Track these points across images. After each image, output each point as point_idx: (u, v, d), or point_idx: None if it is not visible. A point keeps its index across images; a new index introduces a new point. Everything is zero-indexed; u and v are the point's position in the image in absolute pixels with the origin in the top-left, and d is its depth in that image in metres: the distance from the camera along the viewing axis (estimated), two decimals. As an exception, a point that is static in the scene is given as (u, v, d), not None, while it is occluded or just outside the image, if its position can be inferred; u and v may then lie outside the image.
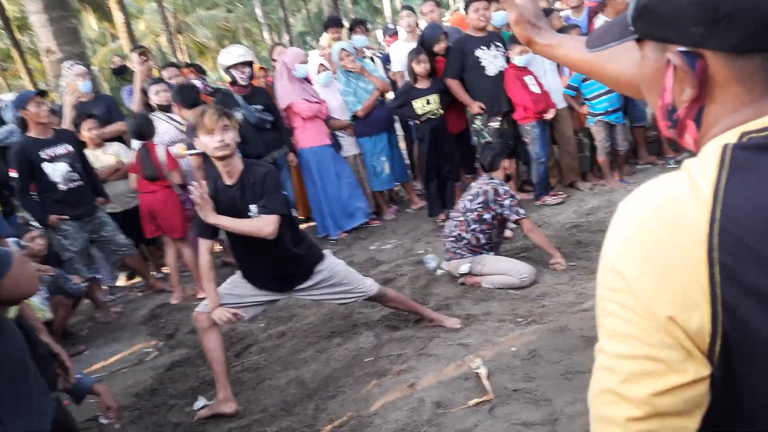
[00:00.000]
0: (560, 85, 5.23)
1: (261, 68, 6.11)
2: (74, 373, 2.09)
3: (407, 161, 6.24)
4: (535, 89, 4.96)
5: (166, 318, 4.41)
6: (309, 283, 2.95)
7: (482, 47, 5.00)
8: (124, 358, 3.88)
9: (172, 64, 6.20)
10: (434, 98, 5.01)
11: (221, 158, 2.67)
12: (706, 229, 0.59)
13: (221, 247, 4.96)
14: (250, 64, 4.94)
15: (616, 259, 0.66)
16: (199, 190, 2.66)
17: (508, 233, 4.24)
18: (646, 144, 5.74)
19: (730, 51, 0.62)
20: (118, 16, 11.63)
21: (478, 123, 5.11)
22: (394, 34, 6.78)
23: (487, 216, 3.71)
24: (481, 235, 3.74)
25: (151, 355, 3.82)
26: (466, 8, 5.11)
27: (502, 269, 3.63)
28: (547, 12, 5.47)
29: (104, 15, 18.36)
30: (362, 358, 3.06)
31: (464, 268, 3.71)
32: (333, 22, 6.21)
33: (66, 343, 4.02)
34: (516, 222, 3.73)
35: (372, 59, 5.96)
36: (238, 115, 4.60)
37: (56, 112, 5.16)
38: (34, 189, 4.33)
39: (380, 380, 2.80)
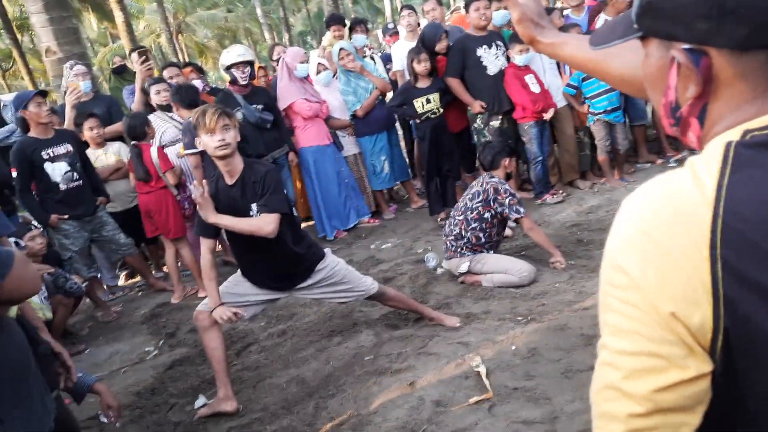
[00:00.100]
0: (560, 84, 5.23)
1: (261, 68, 6.11)
2: (75, 372, 2.09)
3: (407, 160, 6.24)
4: (535, 89, 4.96)
5: (166, 317, 4.41)
6: (309, 281, 2.96)
7: (483, 46, 5.00)
8: (124, 357, 3.89)
9: (173, 64, 6.20)
10: (434, 97, 5.01)
11: (222, 157, 2.67)
12: (709, 226, 0.60)
13: (221, 247, 4.97)
14: (250, 63, 4.95)
15: (618, 255, 0.66)
16: (199, 190, 2.66)
17: (508, 232, 4.25)
18: (646, 143, 5.74)
19: (734, 48, 0.62)
20: (118, 16, 11.63)
21: (478, 122, 5.11)
22: (394, 33, 6.78)
23: (487, 215, 3.71)
24: (481, 234, 3.74)
25: (152, 354, 3.82)
26: (466, 7, 5.10)
27: (502, 268, 3.63)
28: (548, 11, 5.48)
29: (105, 15, 18.37)
30: (362, 357, 3.07)
31: (464, 266, 3.71)
32: (335, 20, 6.20)
33: (66, 343, 4.03)
34: (516, 221, 3.73)
35: (372, 58, 5.96)
36: (239, 115, 4.61)
37: (57, 112, 5.16)
38: (34, 189, 4.34)
39: (380, 379, 2.81)
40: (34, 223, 4.42)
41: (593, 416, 0.71)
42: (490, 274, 3.65)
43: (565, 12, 5.91)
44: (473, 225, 3.73)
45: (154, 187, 4.61)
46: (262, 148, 4.88)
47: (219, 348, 2.85)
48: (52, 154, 4.27)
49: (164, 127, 5.00)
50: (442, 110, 5.06)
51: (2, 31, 16.74)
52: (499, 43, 5.06)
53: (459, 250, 3.76)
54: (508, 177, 3.93)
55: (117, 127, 5.28)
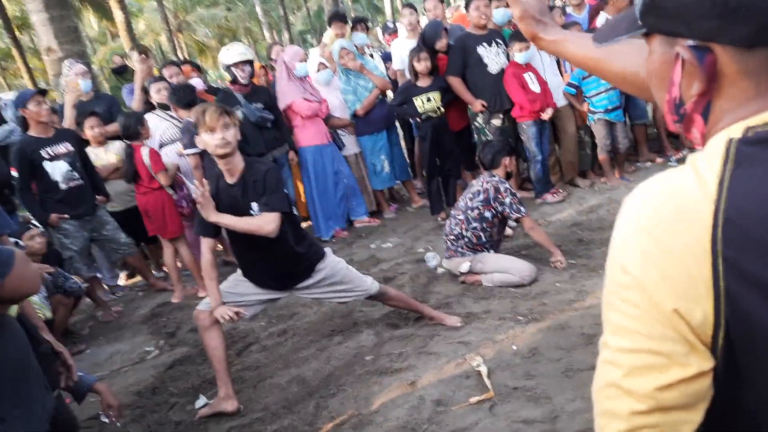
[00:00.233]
0: (559, 83, 5.23)
1: (261, 66, 6.11)
2: (76, 371, 2.09)
3: (407, 160, 6.24)
4: (535, 88, 4.95)
5: (167, 317, 4.41)
6: (310, 281, 2.96)
7: (484, 45, 5.00)
8: (125, 356, 3.89)
9: (173, 63, 6.20)
10: (435, 96, 5.00)
11: (222, 156, 2.67)
12: (710, 222, 0.60)
13: (222, 246, 4.97)
14: (250, 62, 4.94)
15: (621, 254, 0.66)
16: (200, 189, 2.66)
17: (508, 231, 4.25)
18: (646, 142, 5.73)
19: (740, 45, 0.62)
20: (118, 15, 11.62)
21: (479, 121, 5.11)
22: (394, 32, 6.78)
23: (487, 214, 3.71)
24: (481, 233, 3.74)
25: (152, 354, 3.82)
26: (466, 6, 5.10)
27: (502, 267, 3.63)
28: (549, 8, 5.47)
29: (104, 14, 18.37)
30: (363, 357, 3.07)
31: (465, 266, 3.71)
32: (337, 17, 6.19)
33: (67, 342, 4.02)
34: (516, 220, 3.73)
35: (371, 56, 5.96)
36: (239, 114, 4.60)
37: (57, 111, 5.16)
38: (35, 188, 4.33)
39: (381, 378, 2.81)
40: (34, 222, 4.42)
41: (595, 414, 0.71)
42: (490, 274, 3.65)
43: (567, 10, 5.91)
44: (474, 224, 3.72)
45: (150, 187, 4.60)
46: (262, 147, 4.88)
47: (219, 347, 2.85)
48: (52, 153, 4.26)
49: (164, 125, 5.00)
50: (443, 109, 5.06)
51: (2, 29, 16.73)
52: (499, 41, 5.06)
53: (459, 249, 3.76)
54: (508, 176, 3.93)
55: (117, 126, 5.28)
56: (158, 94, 5.00)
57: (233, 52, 4.92)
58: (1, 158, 4.61)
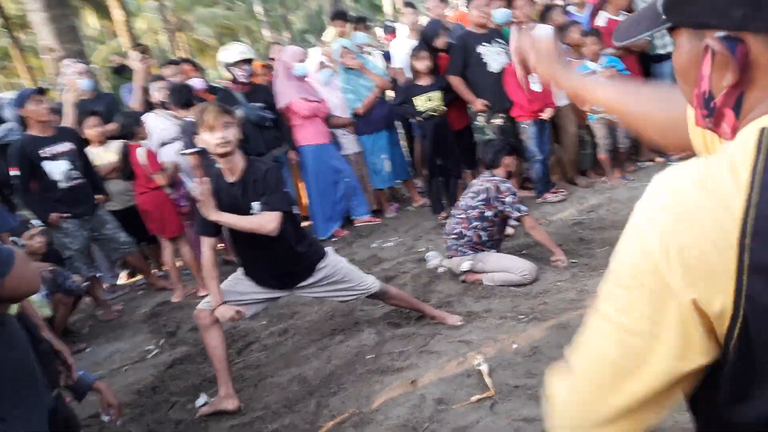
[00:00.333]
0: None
1: (262, 66, 6.10)
2: (76, 370, 2.09)
3: (408, 158, 6.23)
4: (536, 87, 4.94)
5: (167, 316, 4.41)
6: (311, 280, 2.95)
7: (484, 44, 5.00)
8: (125, 355, 3.89)
9: (173, 62, 6.19)
10: (436, 95, 5.00)
11: (223, 155, 2.66)
12: (741, 215, 0.59)
13: (222, 245, 4.96)
14: (250, 61, 4.94)
15: (640, 233, 0.64)
16: (200, 187, 2.66)
17: (509, 230, 4.24)
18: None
19: None
20: (117, 14, 11.64)
21: (480, 120, 5.10)
22: (393, 32, 6.77)
23: (488, 213, 3.70)
24: (482, 233, 3.73)
25: (153, 353, 3.82)
26: (467, 5, 5.10)
27: (503, 266, 3.62)
28: (549, 8, 5.47)
29: (104, 13, 18.35)
30: (364, 355, 3.06)
31: (465, 265, 3.70)
32: (339, 15, 6.18)
33: (67, 341, 4.01)
34: (517, 219, 3.72)
35: (370, 54, 5.95)
36: (239, 113, 4.60)
37: (56, 110, 5.15)
38: (34, 187, 4.32)
39: (382, 377, 2.80)
40: (34, 221, 4.41)
41: (570, 372, 0.72)
42: (491, 273, 3.65)
43: (568, 9, 5.90)
44: (474, 224, 3.72)
45: (148, 186, 4.60)
46: (262, 146, 4.88)
47: (220, 346, 2.84)
48: (51, 153, 4.26)
49: (164, 124, 4.99)
50: (444, 108, 5.05)
51: (2, 29, 16.73)
52: (500, 40, 5.06)
53: (460, 248, 3.76)
54: (509, 175, 3.92)
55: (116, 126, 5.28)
56: (159, 92, 5.00)
57: (234, 52, 4.92)
58: (1, 158, 4.60)
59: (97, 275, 4.78)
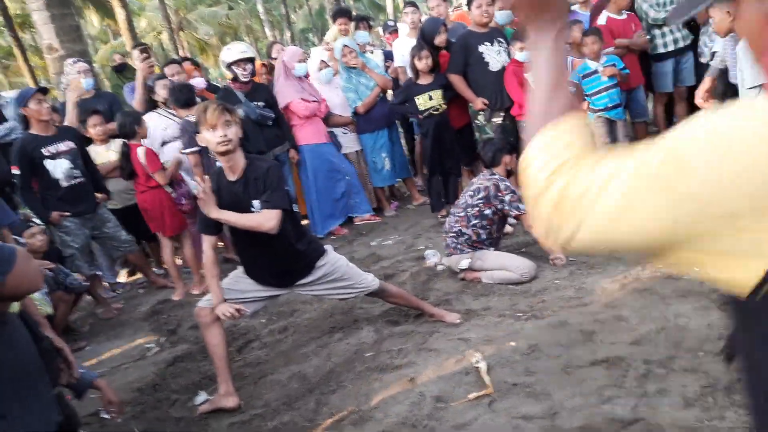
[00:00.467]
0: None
1: (263, 64, 6.12)
2: (77, 367, 2.10)
3: (408, 157, 6.24)
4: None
5: (167, 314, 4.42)
6: (310, 278, 2.97)
7: (485, 43, 5.00)
8: (125, 353, 3.90)
9: (174, 61, 6.20)
10: (436, 94, 5.01)
11: (224, 153, 2.68)
12: None
13: (222, 244, 4.98)
14: (251, 60, 4.95)
15: (683, 145, 0.61)
16: (201, 186, 2.67)
17: (508, 229, 4.25)
18: (647, 139, 5.73)
19: None
20: (119, 14, 11.62)
21: (480, 118, 5.11)
22: (394, 31, 6.77)
23: (487, 211, 3.71)
24: (481, 231, 3.74)
25: (153, 351, 3.84)
26: (468, 4, 5.11)
27: (502, 265, 3.63)
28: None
29: (106, 12, 18.37)
30: (363, 353, 3.07)
31: (464, 263, 3.71)
32: (341, 14, 6.18)
33: (67, 339, 4.02)
34: (516, 217, 3.73)
35: (371, 52, 5.96)
36: (240, 112, 4.61)
37: (58, 109, 5.17)
38: (36, 186, 4.34)
39: (381, 375, 2.82)
40: (35, 219, 4.43)
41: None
42: (490, 271, 3.66)
43: (573, 7, 5.88)
44: (474, 222, 3.73)
45: (148, 185, 4.61)
46: (263, 145, 4.89)
47: (220, 344, 2.86)
48: (53, 152, 4.27)
49: (166, 123, 5.01)
50: (445, 107, 5.06)
51: (3, 28, 16.75)
52: (501, 39, 5.06)
53: (459, 246, 3.77)
54: (509, 174, 3.93)
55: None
56: (164, 90, 5.02)
57: (234, 51, 4.93)
58: (2, 156, 4.62)
59: (98, 273, 4.80)
